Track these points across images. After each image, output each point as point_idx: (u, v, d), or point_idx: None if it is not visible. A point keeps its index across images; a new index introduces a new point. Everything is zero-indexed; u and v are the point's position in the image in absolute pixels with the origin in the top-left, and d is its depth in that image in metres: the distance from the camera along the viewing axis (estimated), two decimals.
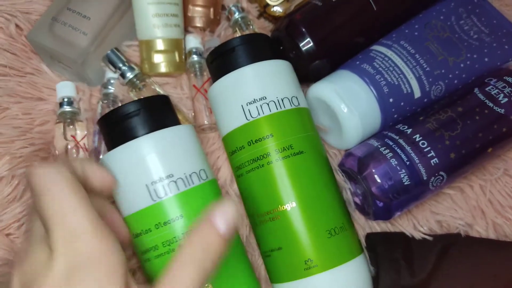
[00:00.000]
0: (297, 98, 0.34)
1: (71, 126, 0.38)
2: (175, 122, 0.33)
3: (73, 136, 0.37)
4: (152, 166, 0.30)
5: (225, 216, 0.24)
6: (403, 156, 0.33)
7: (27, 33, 0.39)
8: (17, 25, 0.40)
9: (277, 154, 0.32)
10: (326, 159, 0.35)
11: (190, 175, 0.31)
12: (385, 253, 0.35)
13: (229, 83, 0.34)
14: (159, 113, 0.32)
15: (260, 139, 0.33)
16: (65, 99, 0.38)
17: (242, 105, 0.33)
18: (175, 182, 0.30)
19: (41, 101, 0.39)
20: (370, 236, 0.37)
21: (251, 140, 0.33)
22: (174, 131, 0.31)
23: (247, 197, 0.34)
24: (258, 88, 0.33)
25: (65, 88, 0.38)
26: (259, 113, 0.33)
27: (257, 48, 0.35)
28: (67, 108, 0.38)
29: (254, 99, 0.33)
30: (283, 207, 0.32)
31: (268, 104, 0.33)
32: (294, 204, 0.32)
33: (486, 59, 0.38)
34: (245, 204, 0.35)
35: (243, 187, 0.34)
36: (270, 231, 0.33)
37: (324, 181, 0.33)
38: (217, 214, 0.24)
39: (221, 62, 0.35)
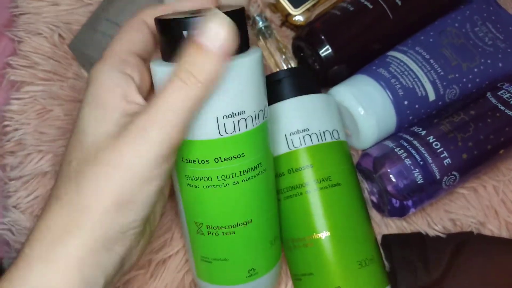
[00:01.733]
0: (337, 131, 0.36)
1: None
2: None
3: None
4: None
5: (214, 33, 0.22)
6: (417, 156, 0.35)
7: (69, 42, 0.42)
8: (60, 35, 0.43)
9: (315, 184, 0.33)
10: (360, 192, 0.36)
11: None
12: (402, 256, 0.37)
13: (275, 112, 0.35)
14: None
15: (300, 169, 0.34)
16: None
17: (285, 135, 0.34)
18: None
19: (81, 103, 0.43)
20: (386, 237, 0.38)
21: (291, 169, 0.34)
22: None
23: (283, 221, 0.35)
24: (302, 120, 0.35)
25: None
26: (301, 144, 0.34)
27: (302, 82, 0.36)
28: None
29: (297, 130, 0.34)
30: (318, 235, 0.33)
31: (310, 136, 0.34)
32: (328, 234, 0.33)
33: (500, 64, 0.39)
34: (281, 227, 0.36)
35: (280, 211, 0.35)
36: (303, 256, 0.34)
37: (358, 214, 0.35)
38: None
39: (269, 92, 0.35)
